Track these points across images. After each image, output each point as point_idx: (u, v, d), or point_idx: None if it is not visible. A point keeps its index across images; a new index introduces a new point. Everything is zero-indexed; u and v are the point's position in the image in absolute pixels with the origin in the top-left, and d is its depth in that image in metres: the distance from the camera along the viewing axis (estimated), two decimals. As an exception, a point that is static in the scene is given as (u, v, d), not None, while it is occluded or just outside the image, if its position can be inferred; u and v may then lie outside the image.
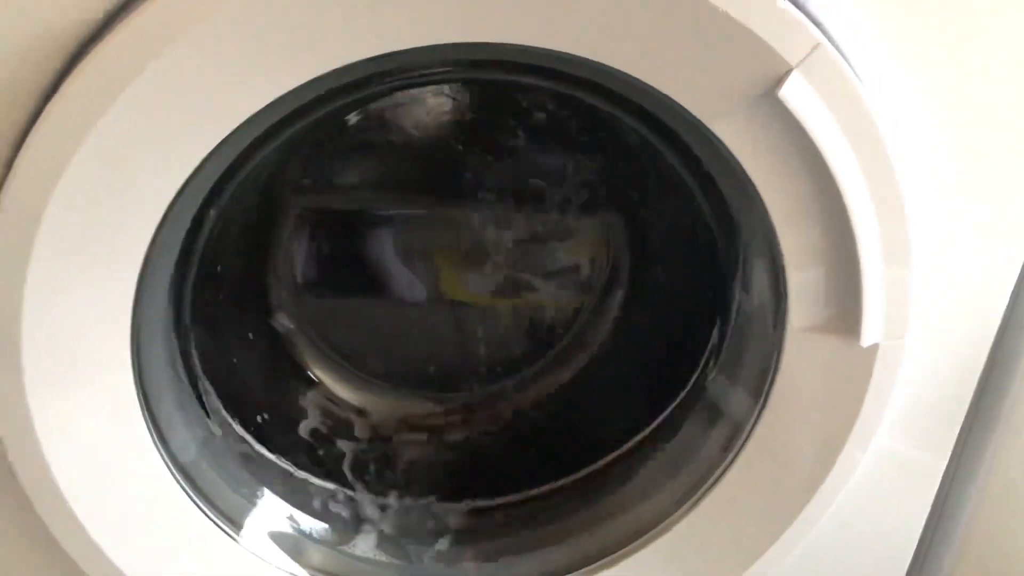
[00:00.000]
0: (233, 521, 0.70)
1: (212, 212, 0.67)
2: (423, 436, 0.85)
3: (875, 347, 0.62)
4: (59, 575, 0.63)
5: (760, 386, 0.66)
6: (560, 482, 0.79)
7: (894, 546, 0.81)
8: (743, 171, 0.57)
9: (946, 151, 0.62)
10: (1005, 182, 0.63)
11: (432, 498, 0.80)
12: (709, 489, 0.69)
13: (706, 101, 0.55)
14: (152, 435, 0.63)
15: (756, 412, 0.66)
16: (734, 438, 0.68)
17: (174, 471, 0.65)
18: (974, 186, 0.63)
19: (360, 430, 0.84)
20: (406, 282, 0.85)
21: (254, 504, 0.73)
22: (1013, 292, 0.69)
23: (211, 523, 0.68)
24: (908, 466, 0.77)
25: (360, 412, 0.85)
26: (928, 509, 0.80)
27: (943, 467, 0.78)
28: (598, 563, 0.73)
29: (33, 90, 0.52)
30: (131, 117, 0.50)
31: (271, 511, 0.74)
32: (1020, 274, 0.68)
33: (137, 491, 0.63)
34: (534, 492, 0.80)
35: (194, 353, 0.72)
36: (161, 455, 0.64)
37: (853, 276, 0.60)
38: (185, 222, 0.63)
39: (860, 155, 0.56)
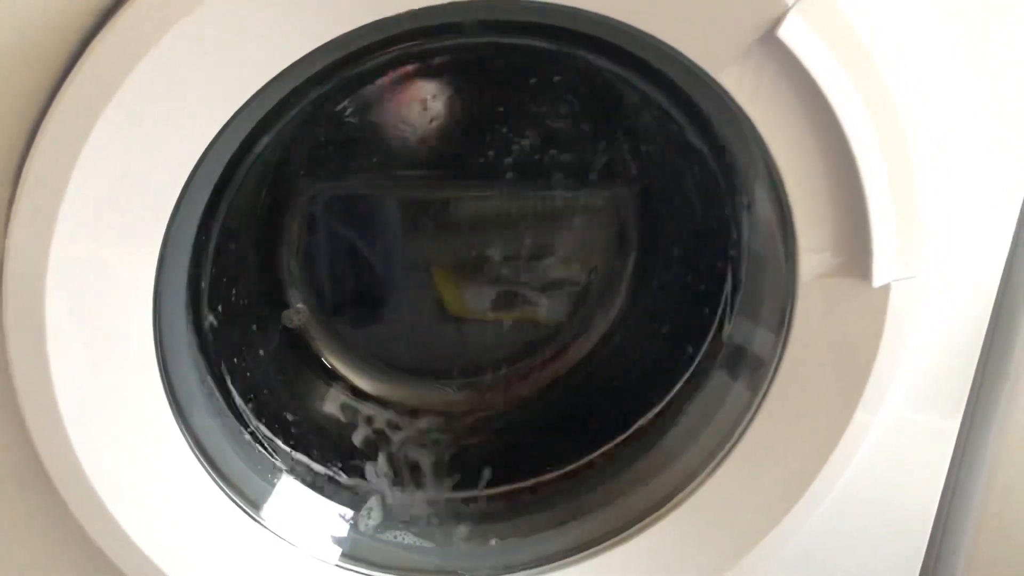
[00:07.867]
0: (257, 506, 0.70)
1: (223, 201, 0.68)
2: (443, 422, 0.85)
3: (887, 287, 0.63)
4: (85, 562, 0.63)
5: (778, 336, 0.67)
6: (591, 456, 0.79)
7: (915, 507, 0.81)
8: (746, 117, 0.59)
9: (946, 82, 0.63)
10: (1005, 116, 0.64)
11: (456, 482, 0.81)
12: (737, 441, 0.70)
13: (708, 48, 0.56)
14: (176, 419, 0.63)
15: (776, 358, 0.67)
16: (759, 383, 0.69)
17: (198, 455, 0.65)
18: (974, 121, 0.64)
19: (381, 420, 0.84)
20: (419, 269, 0.86)
21: (275, 489, 0.73)
22: (1014, 237, 0.70)
23: (239, 510, 0.68)
24: (920, 433, 0.77)
25: (381, 402, 0.85)
26: (944, 474, 0.80)
27: (955, 429, 0.78)
28: (633, 528, 0.73)
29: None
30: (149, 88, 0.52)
31: (297, 498, 0.74)
32: (1019, 216, 0.69)
33: (162, 475, 0.64)
34: (567, 468, 0.80)
35: (214, 347, 0.72)
36: (186, 440, 0.64)
37: (860, 215, 0.61)
38: (199, 205, 0.63)
39: (862, 91, 0.57)
